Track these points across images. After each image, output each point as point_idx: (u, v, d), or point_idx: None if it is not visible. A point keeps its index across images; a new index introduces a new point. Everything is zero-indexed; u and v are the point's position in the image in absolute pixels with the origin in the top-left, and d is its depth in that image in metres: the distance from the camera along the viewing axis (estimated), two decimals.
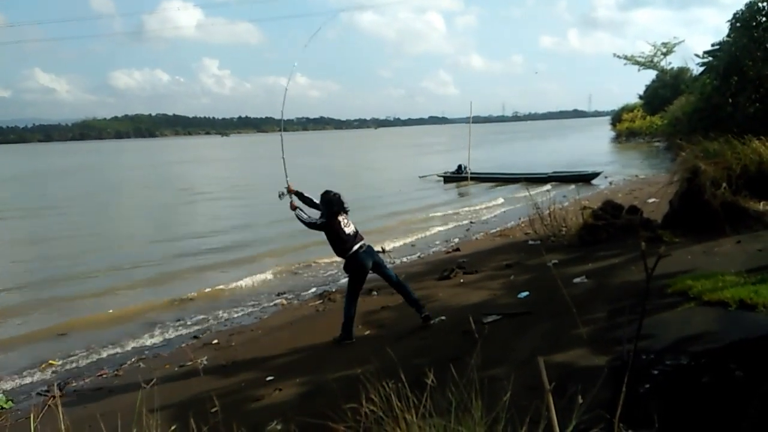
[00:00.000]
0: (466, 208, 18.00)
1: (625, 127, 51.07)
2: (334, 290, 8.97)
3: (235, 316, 8.43)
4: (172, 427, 2.86)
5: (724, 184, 8.46)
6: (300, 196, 6.46)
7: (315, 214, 6.33)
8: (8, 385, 6.42)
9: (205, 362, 6.27)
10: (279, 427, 4.25)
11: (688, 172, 8.90)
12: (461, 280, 8.35)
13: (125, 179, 38.49)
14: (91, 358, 7.16)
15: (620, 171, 24.19)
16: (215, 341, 7.18)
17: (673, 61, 47.21)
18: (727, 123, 12.66)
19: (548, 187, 19.52)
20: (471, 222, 15.13)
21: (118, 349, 7.38)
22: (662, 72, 46.10)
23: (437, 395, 2.57)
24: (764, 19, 13.58)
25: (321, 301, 8.50)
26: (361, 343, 6.18)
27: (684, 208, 8.79)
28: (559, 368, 4.20)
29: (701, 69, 16.96)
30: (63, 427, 2.77)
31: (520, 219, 14.11)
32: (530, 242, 10.27)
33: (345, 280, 9.45)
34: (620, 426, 2.07)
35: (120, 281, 10.90)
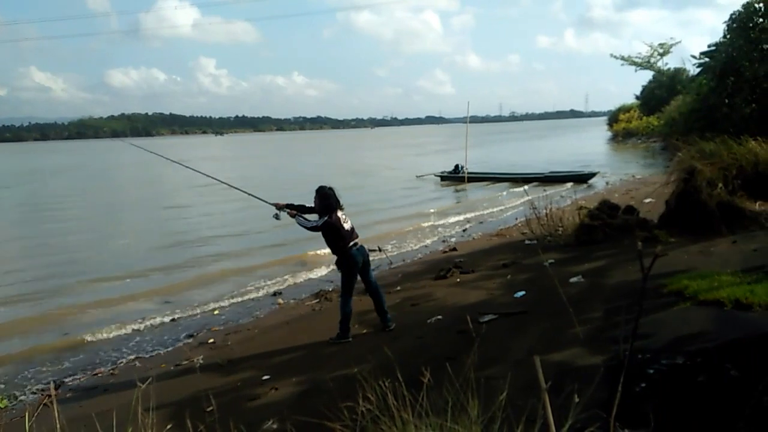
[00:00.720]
0: (463, 208, 18.01)
1: (621, 127, 51.19)
2: (330, 289, 8.96)
3: (232, 315, 8.41)
4: (168, 426, 2.86)
5: (720, 185, 8.50)
6: (291, 206, 6.46)
7: (313, 218, 6.32)
8: (3, 384, 6.39)
9: (201, 361, 6.25)
10: (275, 426, 4.25)
11: (684, 173, 8.92)
12: (458, 280, 8.35)
13: (120, 178, 38.39)
14: (86, 356, 7.13)
15: (617, 171, 24.23)
16: (211, 340, 7.17)
17: (670, 62, 47.33)
18: (724, 123, 12.73)
19: (545, 187, 19.55)
20: (468, 222, 15.14)
21: (114, 348, 7.36)
22: (659, 72, 46.22)
23: (434, 394, 2.57)
24: (761, 20, 13.64)
25: (317, 300, 8.49)
26: (358, 343, 6.18)
27: (680, 208, 8.82)
28: (556, 367, 4.21)
29: (698, 70, 17.05)
30: (58, 425, 2.75)
31: (516, 219, 14.14)
32: (527, 242, 10.28)
33: (340, 282, 9.50)
34: (616, 425, 2.08)
35: (115, 280, 10.86)
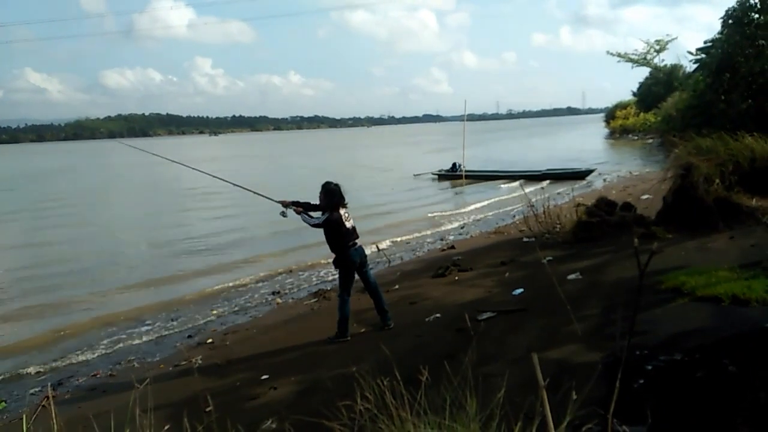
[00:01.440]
0: (461, 206, 18.02)
1: (618, 124, 51.28)
2: (328, 289, 8.95)
3: (230, 315, 8.41)
4: (166, 427, 2.85)
5: (717, 180, 8.51)
6: (296, 204, 6.42)
7: (317, 215, 6.30)
8: (1, 386, 6.38)
9: (200, 361, 6.25)
10: (274, 425, 4.25)
11: (681, 169, 8.94)
12: (456, 278, 8.35)
13: (120, 179, 38.32)
14: (84, 358, 7.12)
15: (614, 168, 24.25)
16: (210, 340, 7.16)
17: (666, 59, 47.42)
18: (720, 119, 12.75)
19: (543, 184, 19.57)
20: (465, 220, 15.15)
21: (112, 349, 7.35)
22: (655, 69, 46.28)
23: (432, 393, 2.57)
24: (756, 15, 13.66)
25: (316, 299, 8.49)
26: (356, 341, 6.18)
27: (677, 205, 8.83)
28: (554, 364, 4.21)
29: (694, 66, 17.06)
30: (56, 427, 2.75)
31: (514, 216, 14.15)
32: (525, 239, 10.29)
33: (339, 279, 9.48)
34: (614, 421, 2.08)
35: (114, 281, 10.85)
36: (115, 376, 6.35)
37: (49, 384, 6.01)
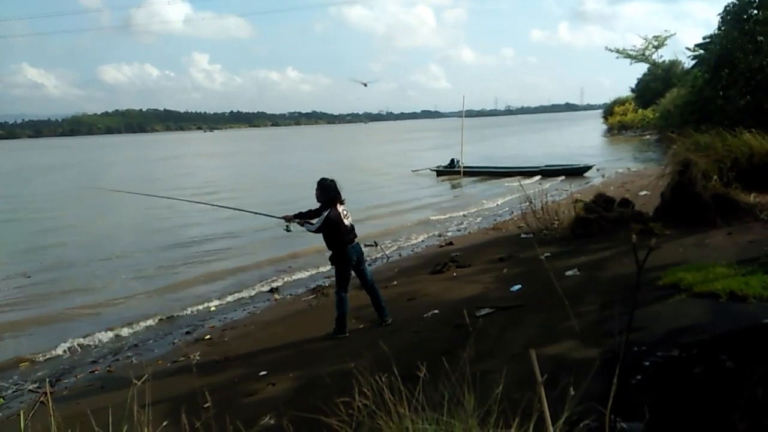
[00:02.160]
0: (459, 202, 18.02)
1: (616, 120, 51.31)
2: (326, 285, 8.96)
3: (228, 311, 8.40)
4: (164, 423, 2.85)
5: (715, 177, 8.53)
6: (299, 215, 6.41)
7: (316, 220, 6.27)
8: None
9: (198, 358, 6.25)
10: (272, 421, 4.25)
11: (679, 165, 8.95)
12: (454, 274, 8.36)
13: (117, 176, 38.26)
14: (83, 354, 7.12)
15: (612, 164, 24.27)
16: (208, 336, 7.16)
17: (665, 54, 47.39)
18: (718, 115, 12.73)
19: (540, 180, 19.58)
20: (464, 216, 15.15)
21: (110, 346, 7.35)
22: (654, 65, 46.31)
23: (430, 389, 2.57)
24: (755, 11, 13.63)
25: (314, 296, 8.50)
26: (354, 338, 6.19)
27: (675, 201, 8.84)
28: (552, 360, 4.22)
29: (692, 62, 17.05)
30: (54, 423, 2.74)
31: (512, 212, 14.16)
32: (523, 236, 10.29)
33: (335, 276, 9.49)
34: (612, 417, 2.08)
35: (111, 277, 10.84)
36: (113, 372, 6.35)
37: (47, 380, 6.00)
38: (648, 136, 37.75)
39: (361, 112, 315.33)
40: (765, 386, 3.02)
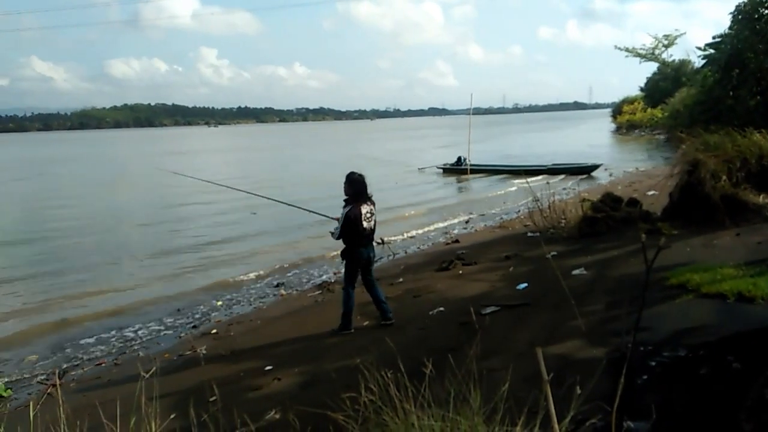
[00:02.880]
0: (466, 200, 17.99)
1: (625, 119, 51.07)
2: (333, 281, 8.98)
3: (234, 306, 8.44)
4: (172, 416, 2.87)
5: (724, 177, 8.46)
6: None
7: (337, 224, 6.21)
8: (7, 374, 6.43)
9: (204, 351, 6.28)
10: (278, 416, 4.27)
11: (688, 165, 8.89)
12: (460, 272, 8.36)
13: (124, 170, 38.45)
14: (90, 347, 7.17)
15: (620, 163, 24.16)
16: (214, 331, 7.20)
17: (675, 54, 47.09)
18: (728, 116, 12.67)
19: (548, 179, 19.52)
20: (470, 214, 15.13)
21: (117, 339, 7.39)
22: (663, 64, 45.97)
23: (436, 385, 2.58)
24: (767, 11, 13.52)
25: (320, 291, 8.51)
26: (360, 334, 6.20)
27: (684, 201, 8.79)
28: (557, 359, 4.21)
29: (702, 62, 16.93)
30: (62, 414, 2.77)
31: (519, 211, 14.13)
32: (529, 234, 10.27)
33: (343, 274, 9.51)
34: (618, 417, 2.08)
35: (119, 272, 10.92)
36: (120, 365, 6.40)
37: (55, 371, 6.05)
38: (657, 136, 37.55)
39: (368, 109, 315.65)
40: None
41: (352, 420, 2.59)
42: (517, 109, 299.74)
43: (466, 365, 2.57)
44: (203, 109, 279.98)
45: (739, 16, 14.15)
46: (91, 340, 7.39)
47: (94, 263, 11.59)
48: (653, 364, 3.93)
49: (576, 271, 7.12)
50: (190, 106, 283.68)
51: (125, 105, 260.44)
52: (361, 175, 6.17)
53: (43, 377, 6.22)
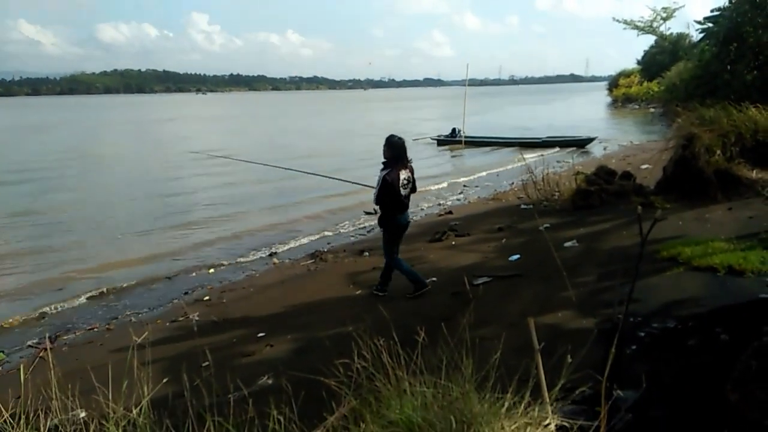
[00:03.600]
0: (460, 172, 17.94)
1: (621, 92, 50.77)
2: (325, 250, 8.98)
3: (227, 273, 8.44)
4: (164, 380, 2.88)
5: (719, 152, 8.47)
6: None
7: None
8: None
9: (197, 318, 6.30)
10: (270, 381, 4.30)
11: (683, 139, 8.88)
12: (453, 243, 8.37)
13: (118, 137, 38.02)
14: (83, 312, 7.17)
15: (615, 137, 24.10)
16: (206, 298, 7.21)
17: (673, 27, 46.65)
18: (724, 90, 12.60)
19: (542, 151, 19.47)
20: (464, 185, 15.11)
21: (110, 305, 7.39)
22: (661, 37, 45.54)
23: (428, 353, 2.59)
24: None
25: (313, 260, 8.52)
26: (353, 303, 6.22)
27: (677, 175, 8.81)
28: (549, 329, 4.25)
29: (700, 35, 16.76)
30: (54, 378, 2.77)
31: (513, 183, 14.12)
32: (523, 206, 10.29)
33: (336, 243, 9.51)
34: (608, 385, 2.10)
35: (111, 237, 10.86)
36: (113, 331, 6.41)
37: (47, 335, 6.06)
38: (652, 110, 37.40)
39: (362, 79, 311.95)
40: (758, 358, 3.05)
41: (344, 386, 2.61)
42: (513, 81, 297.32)
43: (459, 334, 2.58)
44: (194, 76, 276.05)
45: None
46: (83, 305, 7.39)
47: (86, 231, 11.52)
48: (642, 334, 3.98)
49: (568, 243, 7.16)
50: (181, 72, 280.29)
51: (115, 70, 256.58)
52: (401, 138, 5.98)
53: (34, 341, 6.23)
